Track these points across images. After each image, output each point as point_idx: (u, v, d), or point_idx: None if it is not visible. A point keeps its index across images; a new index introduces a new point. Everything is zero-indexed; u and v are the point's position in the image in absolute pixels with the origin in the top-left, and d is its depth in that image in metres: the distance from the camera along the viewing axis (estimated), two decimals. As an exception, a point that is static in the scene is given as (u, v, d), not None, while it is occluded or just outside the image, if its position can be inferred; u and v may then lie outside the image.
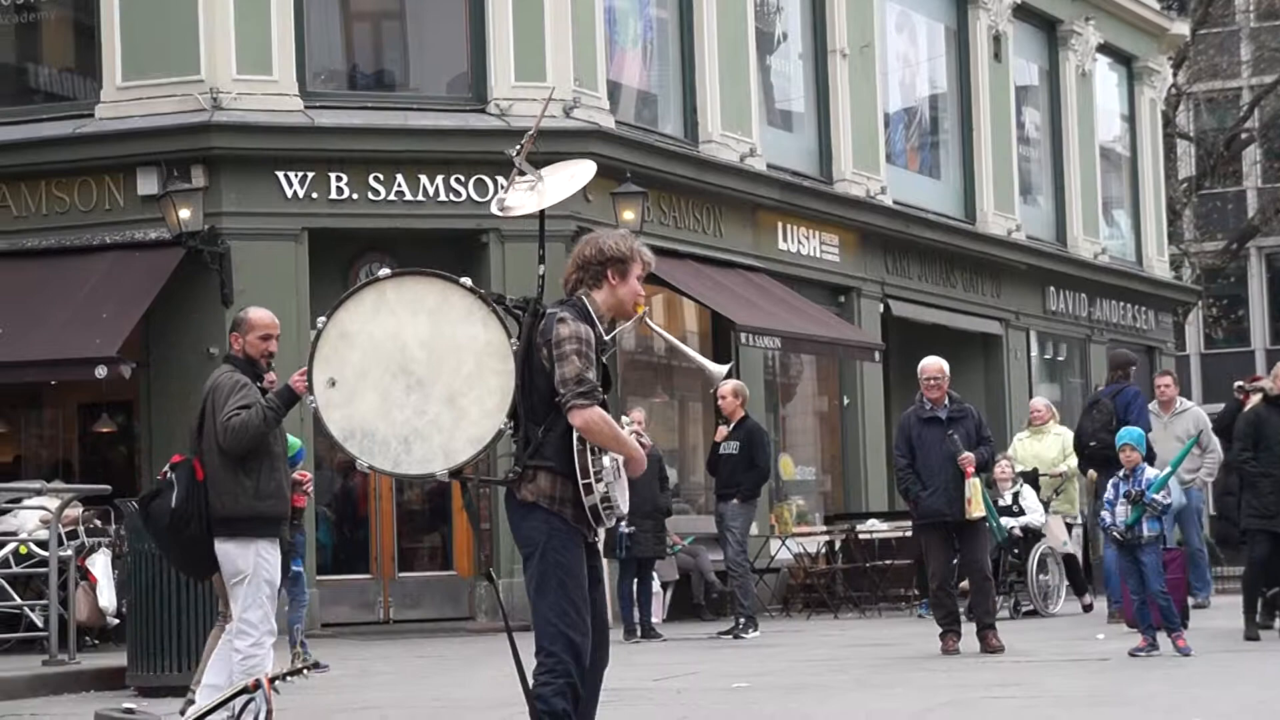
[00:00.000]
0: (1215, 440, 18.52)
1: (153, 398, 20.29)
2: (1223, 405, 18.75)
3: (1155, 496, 13.97)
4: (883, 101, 27.61)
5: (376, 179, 20.56)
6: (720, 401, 18.46)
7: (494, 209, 7.70)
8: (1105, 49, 33.67)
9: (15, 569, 17.20)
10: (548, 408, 7.20)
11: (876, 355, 25.35)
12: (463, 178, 20.74)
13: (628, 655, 16.08)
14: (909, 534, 19.94)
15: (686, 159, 23.23)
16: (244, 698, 8.47)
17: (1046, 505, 20.00)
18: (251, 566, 9.62)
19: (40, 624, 16.35)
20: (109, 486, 16.58)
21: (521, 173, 7.62)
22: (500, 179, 20.41)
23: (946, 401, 15.19)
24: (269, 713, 8.50)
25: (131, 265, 19.97)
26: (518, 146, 7.62)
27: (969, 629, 15.15)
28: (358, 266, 20.55)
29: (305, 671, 8.64)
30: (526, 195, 7.63)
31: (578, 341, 7.17)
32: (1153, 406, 18.96)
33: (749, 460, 18.13)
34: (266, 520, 9.70)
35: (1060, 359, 32.26)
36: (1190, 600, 17.39)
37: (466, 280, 7.44)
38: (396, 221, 20.66)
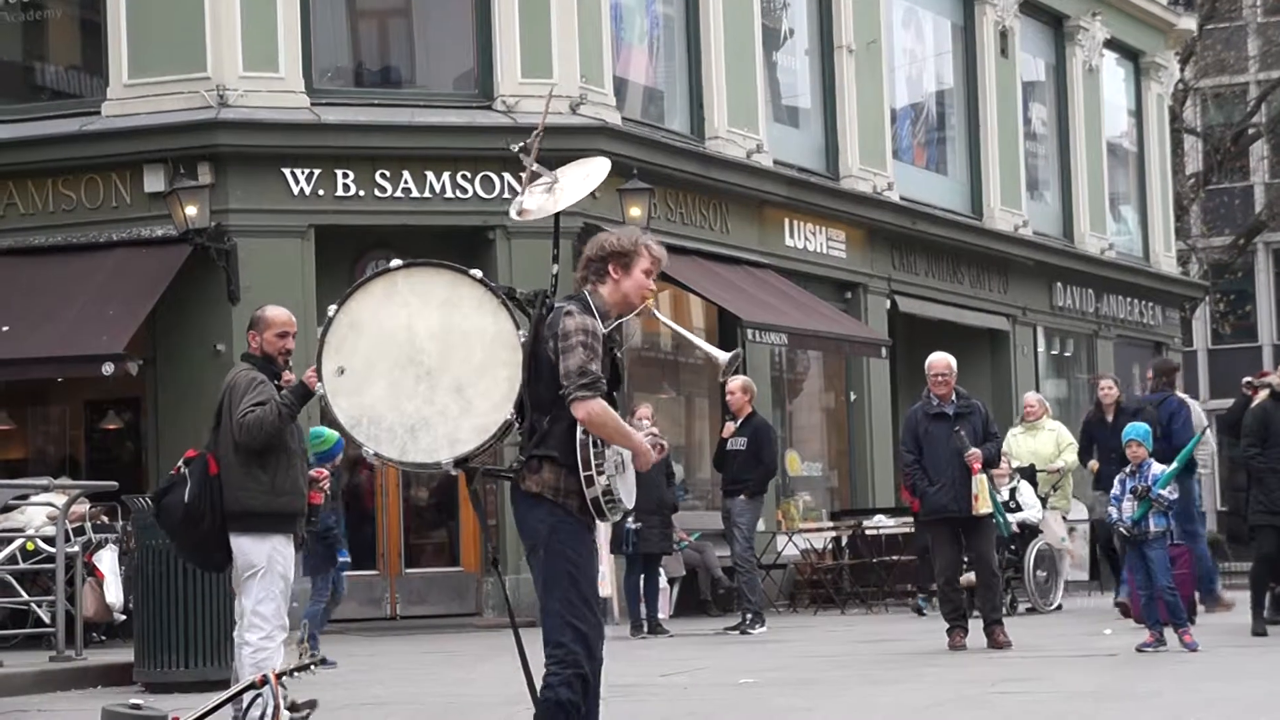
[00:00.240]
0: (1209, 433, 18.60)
1: (159, 394, 20.31)
2: (1230, 401, 18.75)
3: (1162, 492, 13.96)
4: (889, 97, 27.59)
5: (383, 176, 20.57)
6: (729, 397, 18.46)
7: (512, 213, 7.72)
8: (1112, 44, 33.64)
9: (22, 565, 17.21)
10: (553, 399, 7.21)
11: (883, 351, 25.33)
12: (469, 174, 20.75)
13: (634, 651, 16.09)
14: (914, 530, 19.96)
15: (693, 155, 23.23)
16: (251, 693, 8.48)
17: (1044, 501, 19.99)
18: (266, 561, 9.69)
19: (47, 620, 16.37)
20: (116, 483, 16.58)
21: (536, 175, 7.63)
22: (507, 175, 20.47)
23: (954, 397, 15.19)
24: (276, 708, 8.51)
25: (138, 262, 19.98)
26: (522, 144, 7.62)
27: (976, 624, 15.15)
28: (364, 263, 20.54)
29: (312, 668, 8.66)
30: (543, 197, 7.64)
31: (583, 334, 7.18)
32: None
33: (756, 456, 18.13)
34: (282, 516, 9.77)
35: (1067, 355, 32.24)
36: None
37: (477, 271, 7.46)
38: (403, 218, 20.66)
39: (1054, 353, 31.81)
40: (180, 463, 9.86)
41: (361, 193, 20.51)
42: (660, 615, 19.04)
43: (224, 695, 8.65)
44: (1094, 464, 19.13)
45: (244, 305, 19.49)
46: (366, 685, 13.72)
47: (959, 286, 28.87)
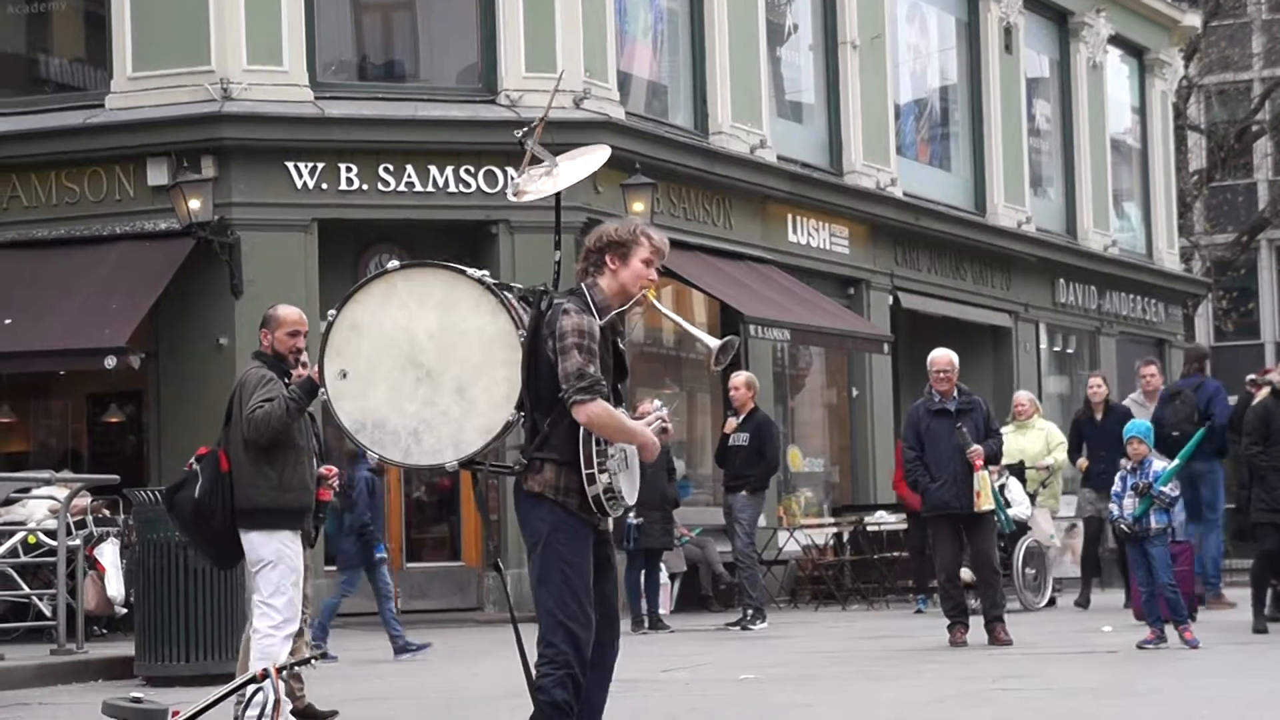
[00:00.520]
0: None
1: (162, 388, 20.32)
2: (1234, 398, 18.75)
3: (1163, 489, 13.96)
4: (893, 93, 27.58)
5: (386, 170, 20.57)
6: (732, 393, 18.46)
7: (509, 194, 7.71)
8: (1116, 41, 33.62)
9: (24, 558, 17.23)
10: (553, 398, 7.20)
11: (885, 347, 25.33)
12: (472, 168, 20.75)
13: (635, 646, 16.09)
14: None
15: (696, 150, 23.23)
16: (252, 686, 8.48)
17: (1033, 499, 19.97)
18: (274, 555, 9.76)
19: (48, 613, 16.38)
20: (117, 476, 16.60)
21: (536, 159, 7.62)
22: (510, 170, 20.40)
23: (955, 394, 15.19)
24: (277, 702, 8.51)
25: (141, 256, 19.99)
26: (525, 130, 7.61)
27: (976, 621, 15.15)
28: (367, 257, 20.58)
29: (313, 662, 8.68)
30: (541, 180, 7.63)
31: (579, 335, 7.15)
32: (1138, 396, 19.04)
33: (758, 452, 18.13)
34: (289, 512, 9.83)
35: (1070, 351, 32.23)
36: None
37: (474, 271, 7.45)
38: (406, 212, 20.67)
39: (1056, 349, 31.80)
40: (193, 459, 9.95)
41: (365, 187, 20.51)
42: (661, 611, 19.05)
43: (225, 689, 8.65)
44: (1083, 462, 19.17)
45: (246, 299, 19.51)
46: (367, 680, 13.73)
47: (962, 282, 28.87)
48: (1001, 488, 19.30)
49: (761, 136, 24.38)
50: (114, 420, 22.17)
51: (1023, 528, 19.53)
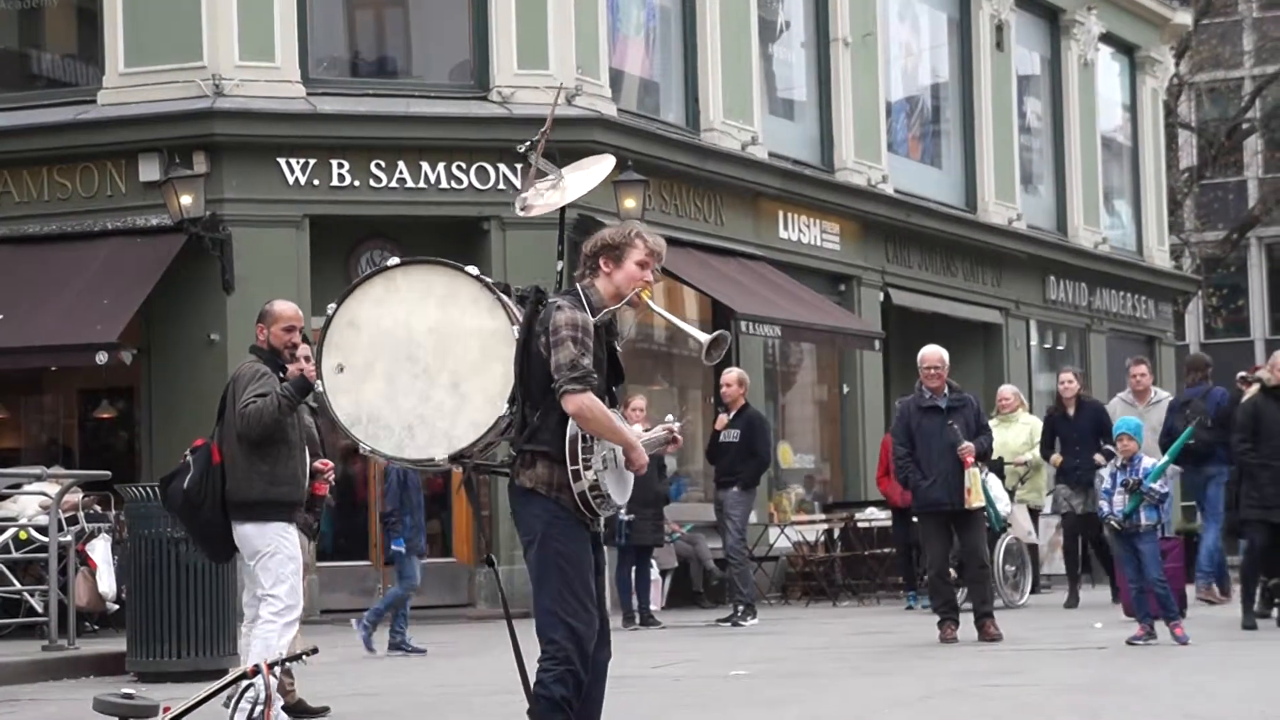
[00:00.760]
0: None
1: (153, 384, 20.32)
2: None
3: (1153, 485, 13.98)
4: (884, 90, 27.60)
5: (378, 166, 20.57)
6: (723, 389, 18.49)
7: (516, 209, 7.76)
8: (1107, 38, 33.65)
9: (15, 554, 17.22)
10: (544, 393, 7.23)
11: (876, 344, 25.35)
12: (464, 165, 20.76)
13: (626, 643, 16.09)
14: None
15: (688, 147, 23.24)
16: (244, 682, 8.50)
17: (1012, 494, 19.97)
18: (272, 546, 9.80)
19: (40, 609, 16.38)
20: (109, 472, 16.60)
21: (542, 172, 7.66)
22: (502, 167, 20.51)
23: (946, 390, 15.21)
24: (268, 698, 8.53)
25: (133, 251, 19.98)
26: (529, 143, 7.65)
27: (966, 618, 15.17)
28: (359, 254, 20.58)
29: (304, 657, 8.71)
30: (548, 194, 7.68)
31: (573, 328, 7.20)
32: (1127, 396, 19.07)
33: (749, 448, 18.15)
34: (280, 505, 9.90)
35: (1060, 348, 32.24)
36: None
37: (473, 269, 7.50)
38: (398, 209, 20.67)
39: (1046, 346, 31.82)
40: (187, 451, 10.06)
41: (357, 183, 20.52)
42: (652, 607, 19.06)
43: (216, 685, 8.67)
44: (1057, 458, 19.20)
45: (238, 295, 19.52)
46: (359, 676, 13.74)
47: (952, 279, 28.89)
48: (982, 483, 19.34)
49: (753, 133, 24.39)
50: (105, 416, 22.17)
51: (1002, 525, 19.53)
